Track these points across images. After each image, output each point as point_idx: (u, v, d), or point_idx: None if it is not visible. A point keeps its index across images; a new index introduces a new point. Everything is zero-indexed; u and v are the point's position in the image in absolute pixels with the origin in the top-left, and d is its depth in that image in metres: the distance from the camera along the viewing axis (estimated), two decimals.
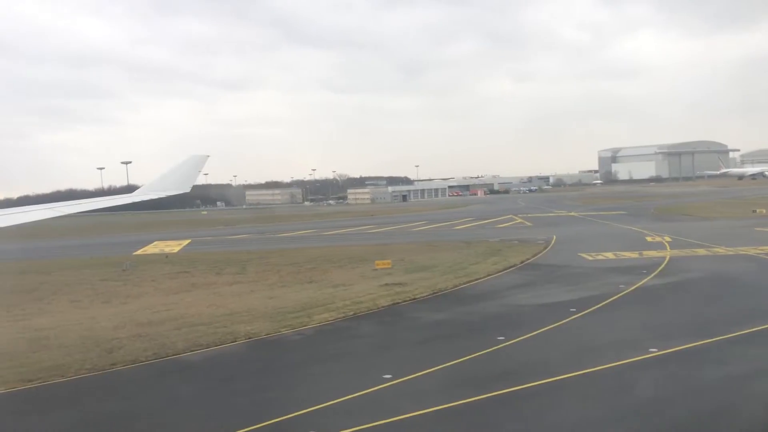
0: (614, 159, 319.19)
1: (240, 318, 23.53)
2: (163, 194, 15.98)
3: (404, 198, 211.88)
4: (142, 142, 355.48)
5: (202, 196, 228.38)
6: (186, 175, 16.02)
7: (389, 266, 36.36)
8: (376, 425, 12.43)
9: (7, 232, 13.63)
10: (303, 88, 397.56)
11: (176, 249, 55.10)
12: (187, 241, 62.08)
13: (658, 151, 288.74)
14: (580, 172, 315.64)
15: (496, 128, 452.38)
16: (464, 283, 30.20)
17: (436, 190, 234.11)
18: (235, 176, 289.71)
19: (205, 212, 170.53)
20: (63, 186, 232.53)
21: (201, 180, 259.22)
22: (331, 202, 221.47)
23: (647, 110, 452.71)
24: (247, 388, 15.40)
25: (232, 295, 29.89)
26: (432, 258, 40.37)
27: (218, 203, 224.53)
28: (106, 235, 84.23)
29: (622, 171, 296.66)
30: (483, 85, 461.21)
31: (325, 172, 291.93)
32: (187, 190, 15.87)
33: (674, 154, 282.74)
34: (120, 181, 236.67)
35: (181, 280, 36.71)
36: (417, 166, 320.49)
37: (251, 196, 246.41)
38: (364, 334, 21.41)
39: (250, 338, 20.43)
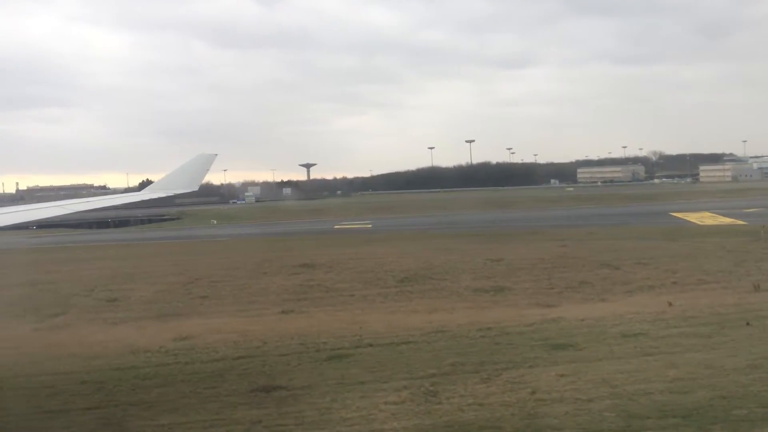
0: None
1: None
2: (170, 193, 15.85)
3: None
4: (423, 124, 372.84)
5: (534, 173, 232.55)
6: (194, 174, 15.81)
7: None
8: None
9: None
10: (583, 61, 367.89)
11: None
12: (705, 213, 61.37)
13: None
14: None
15: None
16: None
17: None
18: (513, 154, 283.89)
19: (571, 189, 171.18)
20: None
21: (512, 158, 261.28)
22: (663, 180, 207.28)
23: None
24: None
25: None
26: None
27: (552, 181, 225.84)
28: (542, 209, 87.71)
29: None
30: None
31: (630, 150, 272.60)
32: (195, 188, 15.70)
33: None
34: (424, 163, 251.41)
35: None
36: (745, 141, 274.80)
37: (583, 173, 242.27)
38: None
39: None
